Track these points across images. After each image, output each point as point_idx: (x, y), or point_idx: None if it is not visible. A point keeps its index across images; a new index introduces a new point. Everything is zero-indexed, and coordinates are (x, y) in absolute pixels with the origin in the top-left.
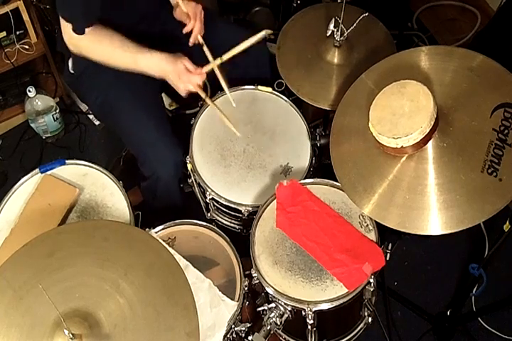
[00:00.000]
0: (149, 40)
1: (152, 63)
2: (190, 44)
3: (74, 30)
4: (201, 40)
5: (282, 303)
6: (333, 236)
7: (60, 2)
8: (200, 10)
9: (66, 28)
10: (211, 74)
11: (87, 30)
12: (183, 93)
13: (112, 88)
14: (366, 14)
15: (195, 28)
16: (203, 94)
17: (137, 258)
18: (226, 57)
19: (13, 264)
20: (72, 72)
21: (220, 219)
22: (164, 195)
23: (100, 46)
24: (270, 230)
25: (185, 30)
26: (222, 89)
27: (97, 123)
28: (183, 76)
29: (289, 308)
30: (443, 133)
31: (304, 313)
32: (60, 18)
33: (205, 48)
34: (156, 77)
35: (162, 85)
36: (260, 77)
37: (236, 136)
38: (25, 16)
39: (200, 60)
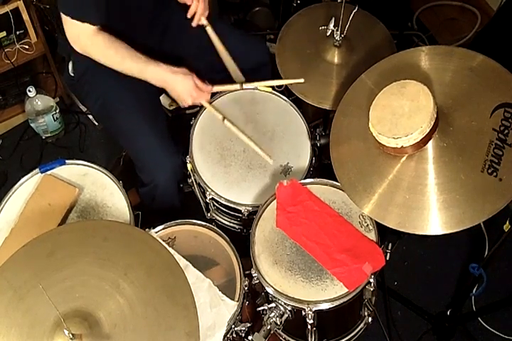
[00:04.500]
0: (155, 53)
1: (159, 75)
2: (194, 25)
3: (92, 23)
4: (205, 22)
5: (282, 303)
6: (333, 236)
7: (67, 3)
8: None
9: (71, 28)
10: None
11: (94, 31)
12: (184, 105)
13: (112, 92)
14: (356, 9)
15: (198, 9)
16: (211, 108)
17: (137, 258)
18: (247, 86)
19: (13, 264)
20: (72, 74)
21: (220, 219)
22: (163, 199)
23: (107, 49)
24: (270, 230)
25: (189, 14)
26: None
27: (96, 123)
28: (193, 93)
29: (289, 308)
30: (443, 133)
31: (304, 313)
32: (65, 19)
33: (208, 29)
34: (157, 86)
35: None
36: (261, 77)
37: (236, 136)
38: (25, 16)
39: (205, 76)
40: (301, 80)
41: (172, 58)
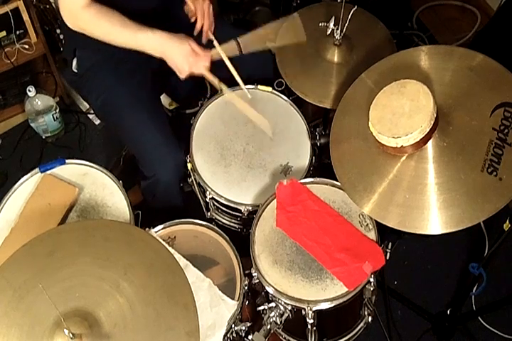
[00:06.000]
0: (151, 19)
1: (153, 41)
2: (204, 41)
3: None
4: (212, 37)
5: (282, 303)
6: (333, 236)
7: None
8: (207, 6)
9: (64, 3)
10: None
11: (86, 3)
12: (183, 75)
13: (115, 88)
14: (355, 8)
15: (204, 26)
16: (211, 77)
17: (137, 258)
18: (245, 48)
19: (13, 264)
20: (75, 71)
21: (220, 219)
22: (164, 195)
23: (100, 21)
24: (270, 229)
25: (196, 31)
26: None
27: (97, 122)
28: (190, 57)
29: (289, 307)
30: (443, 133)
31: (304, 312)
32: None
33: (216, 44)
34: (155, 56)
35: (162, 86)
36: (262, 76)
37: (237, 135)
38: (25, 16)
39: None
40: (298, 19)
41: (169, 25)
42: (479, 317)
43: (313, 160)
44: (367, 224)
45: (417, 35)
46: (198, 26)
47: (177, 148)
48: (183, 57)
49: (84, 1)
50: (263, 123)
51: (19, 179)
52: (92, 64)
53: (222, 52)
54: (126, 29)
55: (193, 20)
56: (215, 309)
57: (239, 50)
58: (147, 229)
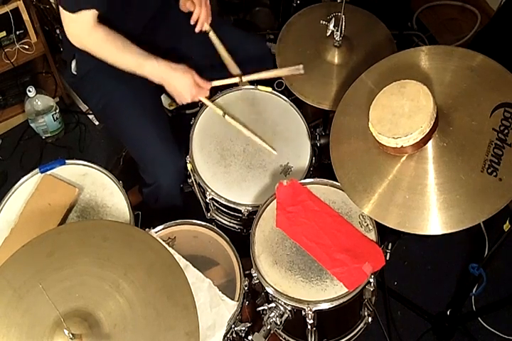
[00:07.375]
0: (154, 49)
1: (158, 71)
2: (197, 31)
3: (94, 8)
4: (208, 28)
5: (282, 303)
6: (333, 236)
7: None
8: None
9: (70, 21)
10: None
11: (93, 24)
12: (181, 102)
13: (116, 92)
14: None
15: (201, 15)
16: (209, 104)
17: (137, 258)
18: (246, 79)
19: (13, 264)
20: (74, 73)
21: (220, 219)
22: (166, 199)
23: (104, 43)
24: (270, 230)
25: (192, 20)
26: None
27: (96, 123)
28: (193, 89)
29: (289, 308)
30: (443, 133)
31: (303, 313)
32: (64, 12)
33: (211, 35)
34: (155, 82)
35: (162, 87)
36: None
37: (237, 135)
38: (25, 16)
39: (205, 73)
40: (302, 71)
41: (172, 54)
42: (479, 318)
43: (314, 161)
44: (367, 225)
45: (417, 36)
46: (195, 16)
47: (177, 153)
48: (185, 89)
49: (93, 21)
50: (264, 142)
51: (19, 179)
52: (91, 67)
53: (223, 83)
54: (131, 54)
55: (192, 9)
56: (215, 309)
57: (239, 81)
58: (147, 229)
